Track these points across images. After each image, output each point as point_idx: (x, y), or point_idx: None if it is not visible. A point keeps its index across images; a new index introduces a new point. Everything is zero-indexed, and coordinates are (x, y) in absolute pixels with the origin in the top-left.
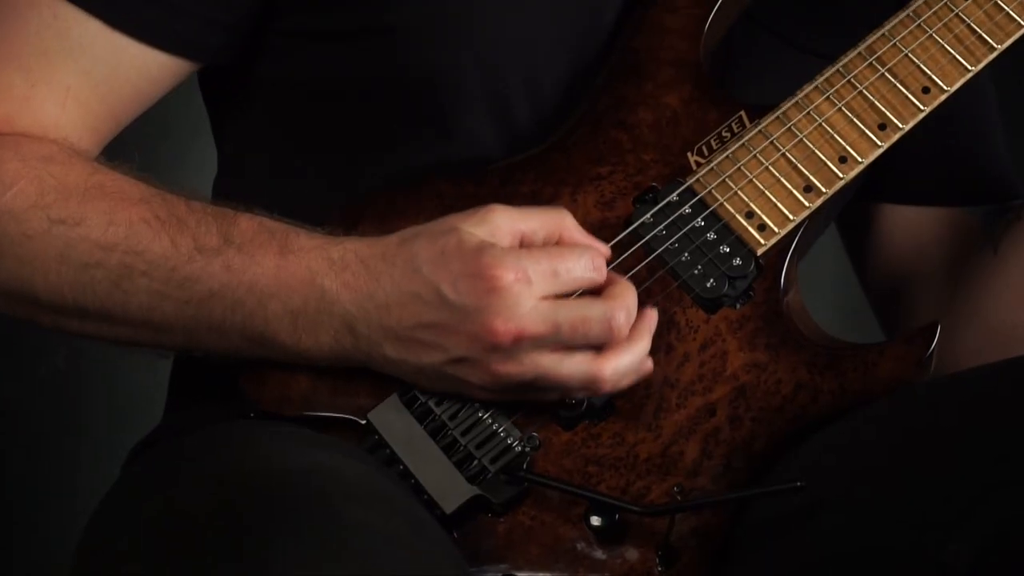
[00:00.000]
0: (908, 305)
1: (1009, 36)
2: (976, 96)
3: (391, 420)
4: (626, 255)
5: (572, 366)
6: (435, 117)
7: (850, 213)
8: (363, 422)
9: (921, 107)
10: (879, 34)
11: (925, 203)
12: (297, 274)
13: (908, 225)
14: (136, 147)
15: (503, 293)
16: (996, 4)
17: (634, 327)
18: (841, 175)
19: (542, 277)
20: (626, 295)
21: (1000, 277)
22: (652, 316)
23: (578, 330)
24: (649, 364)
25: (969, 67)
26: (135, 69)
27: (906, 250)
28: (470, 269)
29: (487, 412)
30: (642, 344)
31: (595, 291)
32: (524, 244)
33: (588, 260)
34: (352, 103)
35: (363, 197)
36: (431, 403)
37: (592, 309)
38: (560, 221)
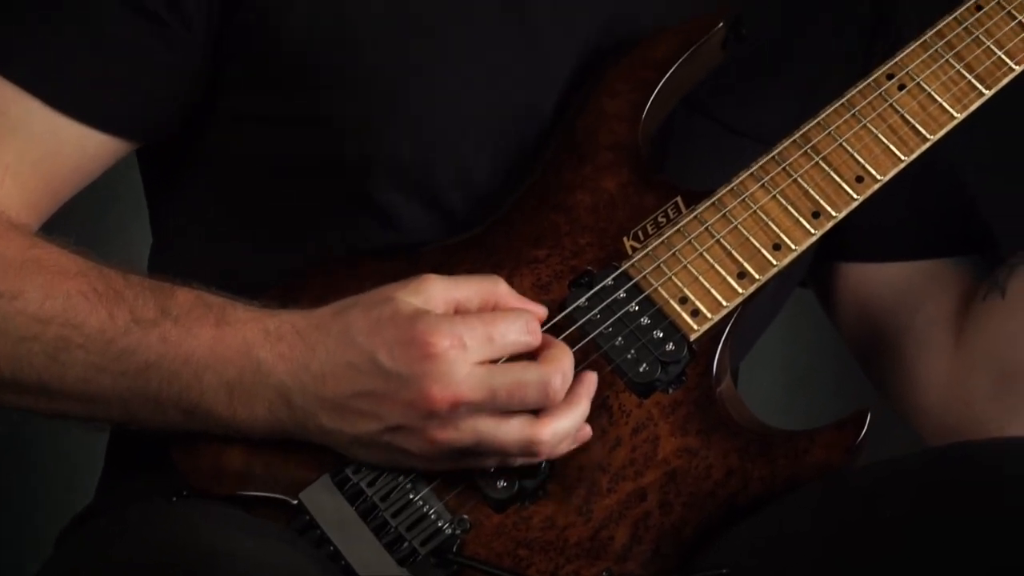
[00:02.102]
0: (892, 360)
1: (942, 127)
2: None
3: (322, 501)
4: (560, 339)
5: (510, 430)
6: (370, 202)
7: (825, 276)
8: (294, 502)
9: (854, 196)
10: (814, 122)
11: (908, 258)
12: (233, 346)
13: (886, 280)
14: (74, 220)
15: (438, 360)
16: (929, 95)
17: (572, 391)
18: (775, 262)
19: (477, 343)
20: (562, 358)
21: (1013, 321)
22: (590, 380)
23: (515, 395)
24: (587, 430)
25: (902, 157)
26: (74, 147)
27: (887, 305)
28: (405, 336)
29: (418, 494)
30: (580, 408)
31: (532, 355)
32: (459, 311)
33: (522, 324)
34: (289, 184)
35: (300, 276)
36: (363, 484)
37: (528, 373)
38: (494, 288)
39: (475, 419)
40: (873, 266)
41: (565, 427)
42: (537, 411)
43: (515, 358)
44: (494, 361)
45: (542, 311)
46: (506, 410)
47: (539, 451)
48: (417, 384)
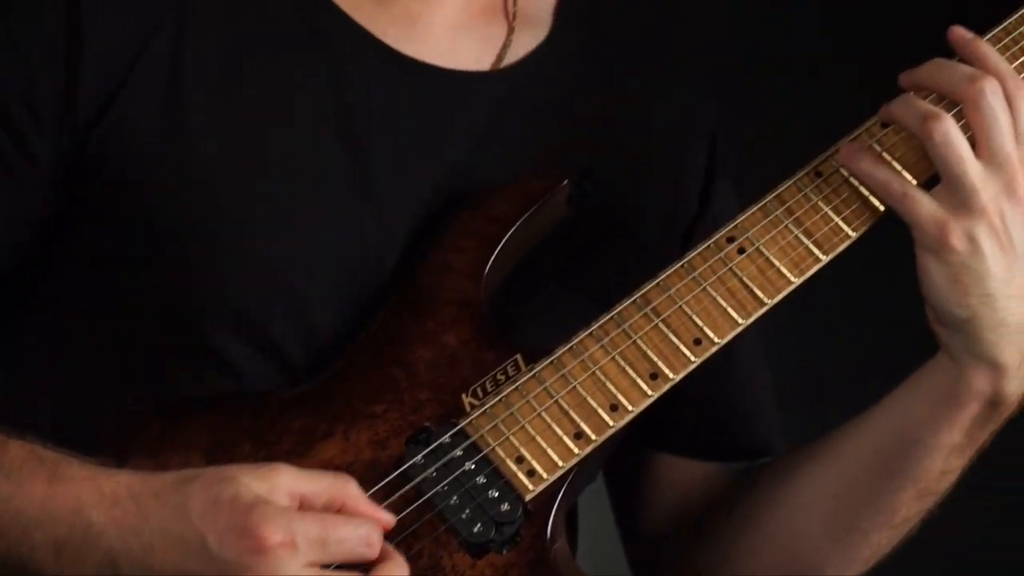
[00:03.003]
0: (672, 555)
1: (779, 291)
2: (744, 350)
3: None
4: (395, 497)
5: None
6: (210, 350)
7: (618, 458)
8: None
9: (692, 358)
10: (654, 283)
11: (680, 453)
12: (65, 504)
13: (673, 473)
14: None
15: (267, 555)
16: (768, 260)
17: None
18: (611, 423)
19: (310, 544)
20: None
21: (730, 543)
22: None
23: None
24: None
25: (740, 320)
26: None
27: (668, 498)
28: (239, 524)
29: None
30: None
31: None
32: (304, 506)
33: (363, 534)
34: (130, 327)
35: (134, 424)
36: None
37: None
38: (343, 487)
39: None
40: (670, 458)
41: None
42: None
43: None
44: (327, 566)
45: (388, 520)
46: None
47: None
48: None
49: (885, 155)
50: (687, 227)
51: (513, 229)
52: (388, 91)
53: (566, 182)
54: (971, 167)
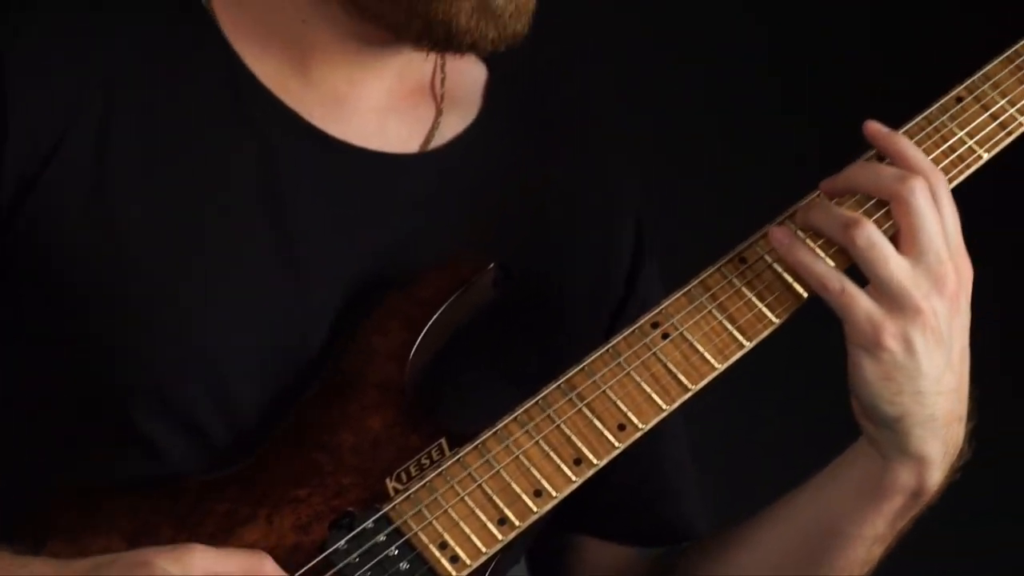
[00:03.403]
0: None
1: (703, 377)
2: (668, 432)
3: None
4: None
5: None
6: (132, 430)
7: (541, 541)
8: None
9: (616, 444)
10: (579, 368)
11: (603, 537)
12: None
13: (596, 557)
14: None
15: None
16: (692, 345)
17: None
18: (535, 509)
19: None
20: None
21: None
22: None
23: None
24: None
25: (664, 406)
26: None
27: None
28: None
29: None
30: None
31: None
32: None
33: None
34: (50, 405)
35: (53, 507)
36: None
37: None
38: (259, 567)
39: None
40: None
41: None
42: None
43: None
44: None
45: None
46: None
47: None
48: None
49: (809, 242)
50: (614, 311)
51: (439, 312)
52: (315, 172)
53: (492, 265)
54: (897, 268)
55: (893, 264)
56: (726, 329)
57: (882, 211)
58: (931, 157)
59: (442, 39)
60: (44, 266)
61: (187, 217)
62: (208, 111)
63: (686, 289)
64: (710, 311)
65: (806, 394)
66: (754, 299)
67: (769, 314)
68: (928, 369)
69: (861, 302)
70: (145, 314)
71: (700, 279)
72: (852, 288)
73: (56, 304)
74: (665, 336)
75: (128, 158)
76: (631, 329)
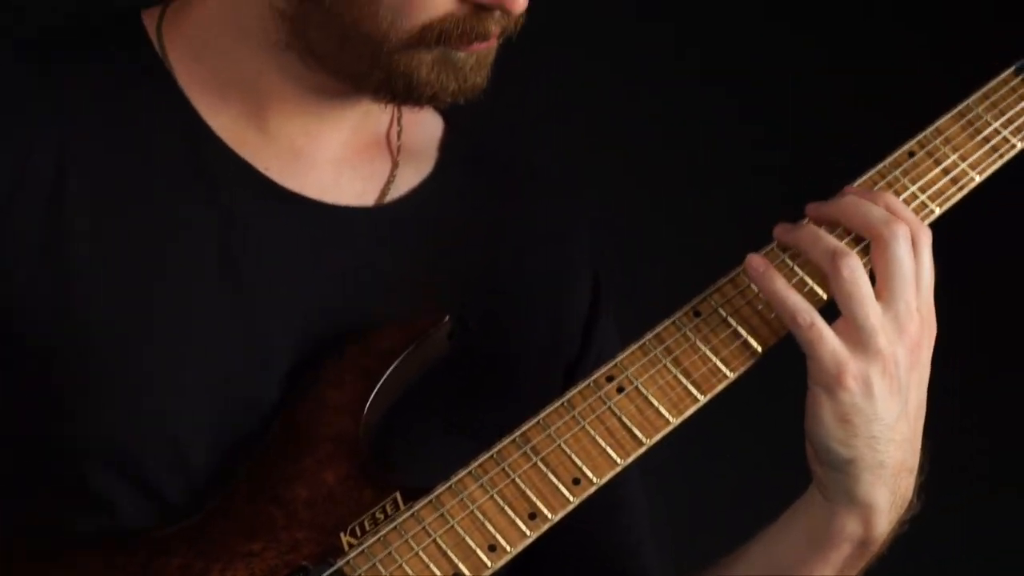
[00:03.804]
0: None
1: (658, 431)
2: (624, 483)
3: None
4: None
5: None
6: (85, 486)
7: None
8: None
9: (571, 498)
10: (534, 422)
11: None
12: None
13: None
14: None
15: None
16: (647, 399)
17: None
18: (489, 564)
19: None
20: None
21: None
22: None
23: None
24: None
25: (619, 460)
26: None
27: None
28: None
29: None
30: None
31: None
32: None
33: None
34: (3, 461)
35: (5, 560)
36: None
37: None
38: None
39: None
40: None
41: None
42: None
43: None
44: None
45: None
46: None
47: None
48: None
49: (788, 260)
50: (570, 363)
51: (394, 365)
52: (271, 226)
53: (448, 318)
54: (873, 310)
55: (869, 304)
56: (681, 383)
57: (858, 247)
58: None
59: (402, 91)
60: None
61: (141, 276)
62: (164, 166)
63: (641, 342)
64: (665, 364)
65: (765, 437)
66: (709, 353)
67: (724, 368)
68: (884, 414)
69: (828, 340)
70: (98, 375)
71: (655, 332)
72: (821, 324)
73: (9, 362)
74: (620, 389)
75: (81, 217)
76: (586, 382)
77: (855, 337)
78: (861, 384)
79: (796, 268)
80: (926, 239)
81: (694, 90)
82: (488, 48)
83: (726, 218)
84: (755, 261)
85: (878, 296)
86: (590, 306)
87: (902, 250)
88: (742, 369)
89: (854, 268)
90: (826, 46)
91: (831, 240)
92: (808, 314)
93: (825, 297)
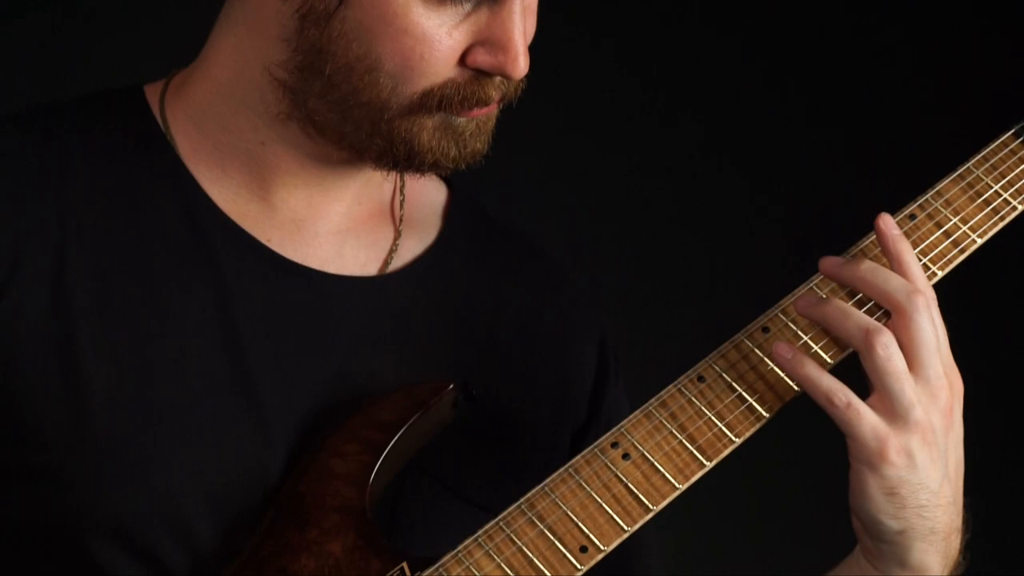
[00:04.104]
0: None
1: (665, 497)
2: (635, 552)
3: None
4: None
5: None
6: (90, 560)
7: None
8: None
9: (578, 566)
10: (540, 489)
11: None
12: None
13: None
14: None
15: None
16: (652, 465)
17: None
18: None
19: None
20: None
21: None
22: None
23: None
24: None
25: (625, 527)
26: None
27: None
28: None
29: None
30: None
31: None
32: None
33: None
34: (8, 540)
35: None
36: None
37: None
38: None
39: None
40: None
41: None
42: None
43: None
44: None
45: None
46: None
47: None
48: None
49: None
50: (577, 432)
51: (399, 435)
52: (273, 297)
53: (452, 386)
54: (907, 383)
55: (904, 379)
56: (687, 449)
57: (865, 307)
58: None
59: (404, 158)
60: (1, 400)
61: (143, 346)
62: (166, 239)
63: (645, 409)
64: (670, 431)
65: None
66: (714, 418)
67: (729, 433)
68: (928, 482)
69: (867, 418)
70: (102, 452)
71: (659, 398)
72: (857, 402)
73: (12, 437)
74: (625, 456)
75: (83, 291)
76: (591, 449)
77: (893, 411)
78: (904, 457)
79: (799, 332)
80: (934, 302)
81: (692, 154)
82: (488, 113)
83: (726, 281)
84: (782, 348)
85: (909, 367)
86: (597, 375)
87: (924, 320)
88: (748, 434)
89: (887, 344)
90: (829, 108)
91: (862, 317)
92: (843, 394)
93: (831, 361)
